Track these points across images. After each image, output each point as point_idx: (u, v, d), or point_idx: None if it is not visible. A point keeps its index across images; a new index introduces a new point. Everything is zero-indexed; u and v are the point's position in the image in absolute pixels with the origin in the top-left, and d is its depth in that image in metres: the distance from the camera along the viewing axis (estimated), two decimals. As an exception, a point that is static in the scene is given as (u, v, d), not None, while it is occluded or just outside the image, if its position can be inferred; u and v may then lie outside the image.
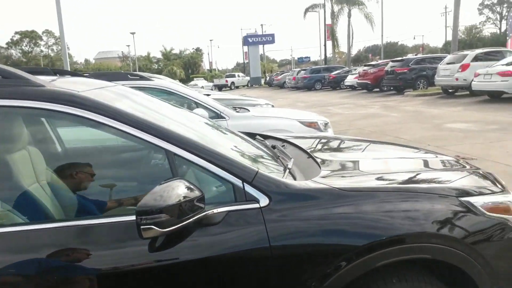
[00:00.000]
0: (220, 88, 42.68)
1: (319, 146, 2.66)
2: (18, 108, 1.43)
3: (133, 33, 47.14)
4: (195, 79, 52.00)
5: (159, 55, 66.57)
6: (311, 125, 4.77)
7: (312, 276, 1.43)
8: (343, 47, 42.40)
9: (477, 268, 1.55)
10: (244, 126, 4.38)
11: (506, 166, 5.52)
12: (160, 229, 1.24)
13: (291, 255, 1.44)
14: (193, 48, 70.77)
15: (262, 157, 2.02)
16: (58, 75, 2.44)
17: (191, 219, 1.32)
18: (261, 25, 54.52)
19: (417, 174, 1.87)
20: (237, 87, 44.25)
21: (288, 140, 2.57)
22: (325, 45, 40.26)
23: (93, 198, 1.75)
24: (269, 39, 48.75)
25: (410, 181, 1.79)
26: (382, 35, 43.27)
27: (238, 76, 47.63)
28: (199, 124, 2.27)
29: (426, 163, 2.19)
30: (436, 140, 7.60)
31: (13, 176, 1.55)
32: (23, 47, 61.70)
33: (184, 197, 1.30)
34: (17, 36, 60.46)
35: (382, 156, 2.33)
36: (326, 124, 5.00)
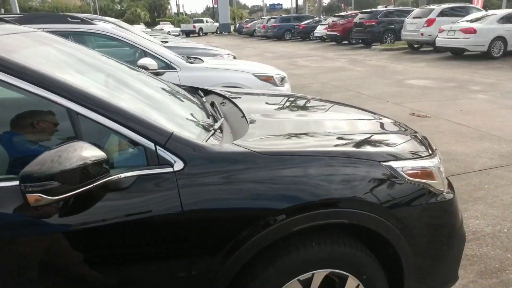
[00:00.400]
0: (187, 34, 40.96)
1: (263, 104, 2.56)
2: None
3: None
4: (161, 23, 49.52)
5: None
6: (267, 79, 4.63)
7: (227, 239, 1.40)
8: (316, -4, 41.18)
9: (395, 232, 1.56)
10: (196, 78, 4.19)
11: (457, 124, 5.68)
12: (50, 197, 1.13)
13: (205, 219, 1.39)
14: (159, -11, 66.53)
15: (191, 116, 1.90)
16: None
17: (91, 185, 1.22)
18: (231, -34, 51.59)
19: (344, 137, 1.82)
20: (205, 34, 42.60)
21: (229, 96, 2.45)
22: (297, -7, 38.96)
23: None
24: (239, -18, 46.23)
25: (332, 144, 1.73)
26: (354, -16, 42.34)
27: (207, 22, 45.67)
28: (128, 78, 2.10)
29: (361, 126, 2.14)
30: (395, 96, 7.69)
31: None
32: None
33: (83, 161, 1.19)
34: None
35: (320, 117, 2.27)
36: (283, 79, 4.87)
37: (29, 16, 3.98)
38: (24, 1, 57.37)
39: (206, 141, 1.50)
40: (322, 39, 24.11)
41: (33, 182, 1.10)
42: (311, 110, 2.48)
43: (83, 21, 4.05)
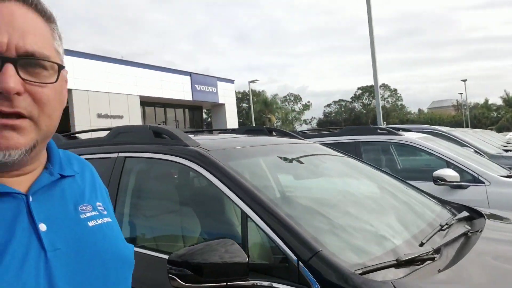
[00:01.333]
0: None
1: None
2: (169, 161, 1.88)
3: (464, 80, 43.50)
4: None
5: (500, 102, 58.93)
6: None
7: None
8: None
9: None
10: (508, 195, 3.37)
11: None
12: (183, 283, 1.30)
13: None
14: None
15: (387, 236, 1.62)
16: (274, 133, 2.89)
17: (224, 283, 1.31)
18: None
19: None
20: None
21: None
22: None
23: None
24: None
25: None
26: None
27: None
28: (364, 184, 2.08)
29: None
30: None
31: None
32: (363, 101, 70.48)
33: (223, 259, 1.31)
34: (359, 91, 69.86)
35: None
36: None
37: (346, 129, 4.67)
38: (403, 115, 65.38)
39: (360, 271, 1.26)
40: None
41: (176, 266, 1.33)
42: None
43: (389, 132, 4.27)
